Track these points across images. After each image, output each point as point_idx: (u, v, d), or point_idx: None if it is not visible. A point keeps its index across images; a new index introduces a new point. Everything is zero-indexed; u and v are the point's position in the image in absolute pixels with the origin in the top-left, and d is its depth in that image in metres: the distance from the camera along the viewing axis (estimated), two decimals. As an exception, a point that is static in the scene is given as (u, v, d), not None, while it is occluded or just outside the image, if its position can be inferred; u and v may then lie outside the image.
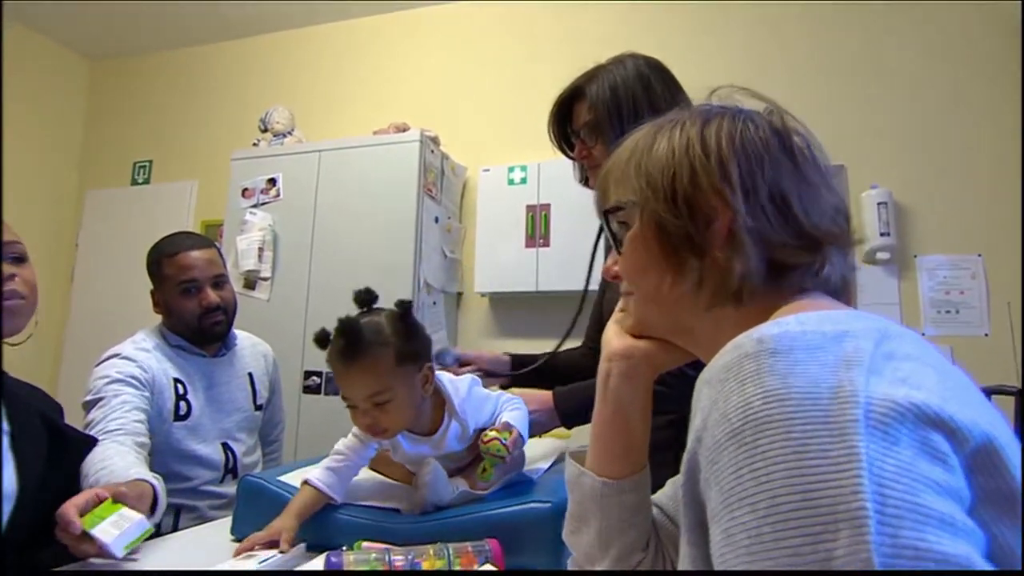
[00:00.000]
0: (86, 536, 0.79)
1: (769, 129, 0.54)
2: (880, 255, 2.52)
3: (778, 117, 0.56)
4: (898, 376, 0.37)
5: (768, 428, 0.36)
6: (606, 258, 1.25)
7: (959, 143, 2.54)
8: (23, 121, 3.64)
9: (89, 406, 1.27)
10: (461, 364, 1.24)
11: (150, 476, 1.01)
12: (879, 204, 2.51)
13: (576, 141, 1.10)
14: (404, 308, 0.94)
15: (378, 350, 0.89)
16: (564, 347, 1.29)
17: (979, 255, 2.47)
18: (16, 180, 3.53)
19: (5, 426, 0.96)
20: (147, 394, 1.33)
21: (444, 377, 1.00)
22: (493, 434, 0.94)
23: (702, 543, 0.41)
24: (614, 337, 0.63)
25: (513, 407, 1.02)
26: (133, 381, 1.31)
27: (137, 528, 0.76)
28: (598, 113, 1.04)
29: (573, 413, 1.08)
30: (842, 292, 0.55)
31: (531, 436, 1.10)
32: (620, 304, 0.66)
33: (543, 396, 1.09)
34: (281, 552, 0.82)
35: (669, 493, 0.69)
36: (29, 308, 0.96)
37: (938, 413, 0.35)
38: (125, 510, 0.80)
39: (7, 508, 0.92)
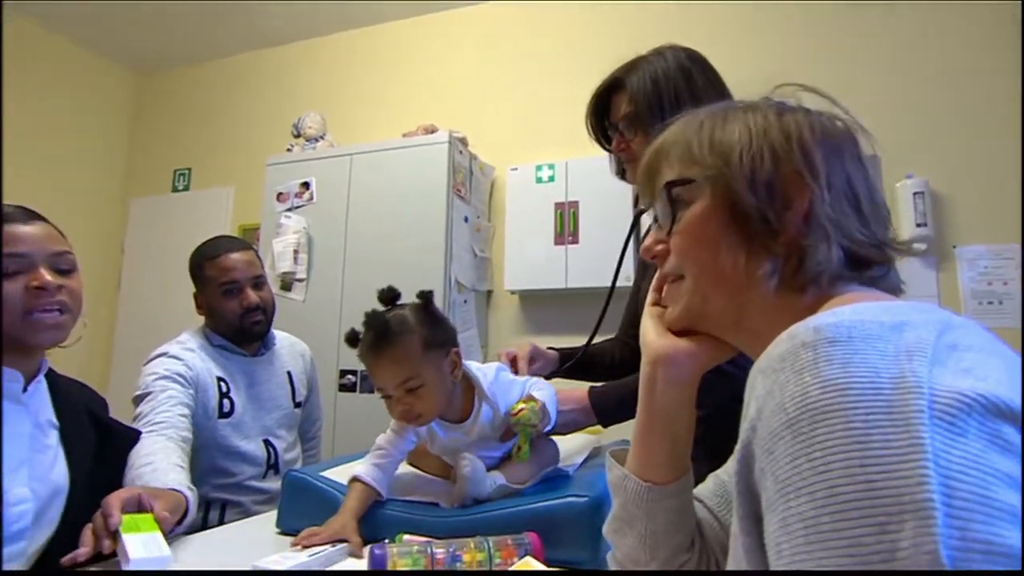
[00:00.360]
0: (114, 534, 0.82)
1: (843, 131, 0.54)
2: (916, 246, 2.46)
3: (842, 120, 0.55)
4: (962, 367, 0.36)
5: (826, 418, 0.35)
6: (625, 250, 1.25)
7: (997, 130, 2.46)
8: (72, 134, 3.79)
9: (138, 400, 1.33)
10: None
11: (185, 487, 1.05)
12: (915, 194, 2.45)
13: (614, 134, 1.09)
14: (426, 298, 1.00)
15: (405, 338, 0.94)
16: (596, 340, 1.29)
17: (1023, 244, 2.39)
18: (66, 190, 3.67)
19: (55, 422, 1.01)
20: (192, 391, 1.38)
21: (472, 364, 1.03)
22: (520, 405, 0.96)
23: (756, 532, 0.41)
24: (655, 336, 0.60)
25: (540, 387, 1.05)
26: (179, 378, 1.37)
27: (158, 562, 0.78)
28: (638, 105, 1.02)
29: (609, 412, 1.08)
30: (898, 296, 0.54)
31: (567, 433, 1.11)
32: (651, 297, 0.64)
33: (578, 394, 1.10)
34: (333, 546, 0.85)
35: (711, 487, 0.69)
36: (72, 319, 0.99)
37: (1009, 405, 0.34)
38: (159, 536, 0.83)
39: (59, 502, 0.97)
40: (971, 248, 2.46)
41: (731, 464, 0.67)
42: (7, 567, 0.88)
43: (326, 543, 0.86)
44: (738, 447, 0.43)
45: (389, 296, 1.00)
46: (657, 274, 0.63)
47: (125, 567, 0.77)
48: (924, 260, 2.48)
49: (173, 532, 0.94)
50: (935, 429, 0.33)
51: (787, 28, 2.81)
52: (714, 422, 1.01)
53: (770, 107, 0.55)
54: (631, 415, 1.03)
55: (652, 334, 0.61)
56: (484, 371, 1.04)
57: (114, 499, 0.88)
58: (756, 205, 0.51)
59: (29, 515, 0.92)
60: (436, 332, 0.97)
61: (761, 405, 0.40)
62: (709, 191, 0.54)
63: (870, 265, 0.52)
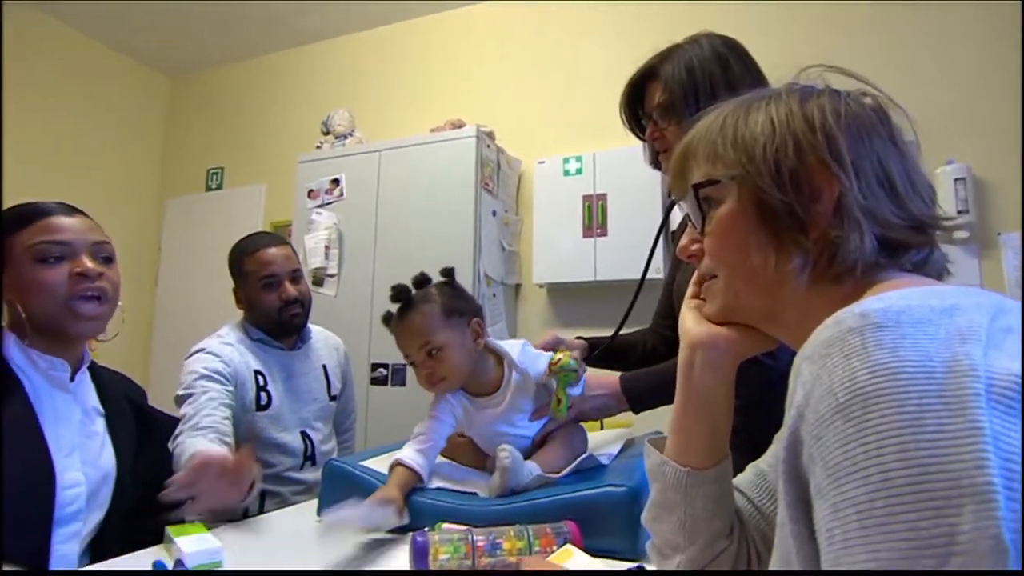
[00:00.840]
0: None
1: (869, 108, 0.53)
2: (958, 234, 2.39)
3: (872, 98, 0.54)
4: (1019, 350, 0.35)
5: (877, 402, 0.35)
6: (656, 242, 1.25)
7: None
8: (111, 137, 3.90)
9: (181, 400, 1.36)
10: None
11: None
12: (956, 180, 2.38)
13: (648, 123, 1.08)
14: (448, 274, 1.08)
15: (426, 307, 1.02)
16: (628, 331, 1.28)
17: (1072, 231, 2.31)
18: (105, 192, 3.78)
19: (100, 409, 1.06)
20: (231, 388, 1.42)
21: (498, 341, 1.08)
22: (558, 355, 1.00)
23: (805, 519, 0.41)
24: (693, 324, 0.61)
25: None
26: (218, 377, 1.40)
27: (213, 554, 0.82)
28: (672, 94, 1.02)
29: (639, 398, 1.08)
30: (943, 279, 0.53)
31: (598, 419, 1.12)
32: (691, 290, 0.64)
33: (609, 380, 1.10)
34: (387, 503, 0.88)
35: (750, 477, 0.68)
36: (111, 310, 1.03)
37: None
38: (211, 536, 0.87)
39: (108, 486, 1.02)
40: (1016, 235, 2.38)
41: (771, 453, 0.66)
42: (65, 547, 0.93)
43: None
44: (784, 434, 0.43)
45: (421, 280, 1.07)
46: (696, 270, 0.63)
47: (186, 565, 0.79)
48: (966, 248, 2.41)
49: (245, 500, 1.00)
50: (993, 412, 0.32)
51: (820, 14, 2.74)
52: (749, 412, 1.00)
53: (793, 94, 0.54)
54: (661, 401, 1.04)
55: (691, 322, 0.62)
56: (511, 345, 1.08)
57: (203, 459, 0.94)
58: (783, 200, 0.50)
59: (83, 497, 0.96)
60: (457, 302, 1.04)
61: (808, 391, 0.40)
62: (736, 190, 0.53)
63: (908, 249, 0.50)
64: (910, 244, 0.50)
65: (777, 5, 2.81)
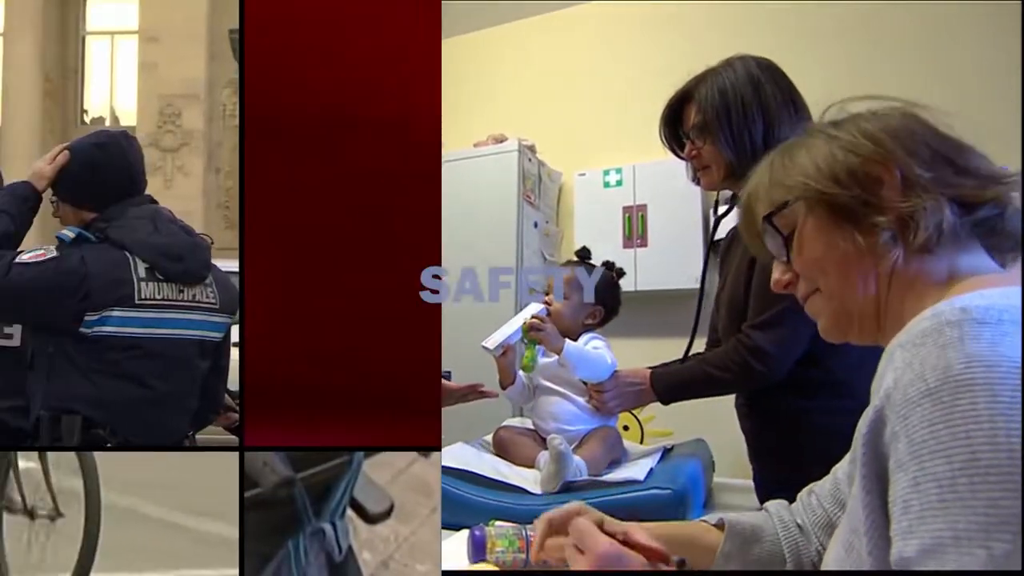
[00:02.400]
0: None
1: (901, 115, 0.55)
2: None
3: (908, 107, 0.56)
4: None
5: (971, 390, 0.37)
6: (708, 255, 1.30)
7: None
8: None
9: None
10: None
11: None
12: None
13: (686, 142, 1.15)
14: (619, 272, 1.45)
15: (588, 270, 1.34)
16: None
17: None
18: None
19: None
20: None
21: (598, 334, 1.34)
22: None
23: (878, 491, 0.43)
24: (592, 546, 0.60)
25: (595, 343, 1.30)
26: None
27: None
28: (707, 115, 1.08)
29: (665, 391, 1.16)
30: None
31: (635, 407, 1.25)
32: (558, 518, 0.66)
33: (644, 371, 1.19)
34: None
35: (829, 488, 0.68)
36: None
37: None
38: None
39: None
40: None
41: (848, 460, 0.68)
42: None
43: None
44: (869, 413, 0.45)
45: (583, 253, 1.43)
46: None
47: None
48: None
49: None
50: None
51: (858, 35, 2.70)
52: (783, 422, 1.05)
53: (825, 128, 0.57)
54: (687, 396, 1.15)
55: (589, 541, 0.61)
56: (592, 337, 1.31)
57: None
58: (850, 194, 0.52)
59: None
60: (605, 289, 1.35)
61: (898, 376, 0.42)
62: (804, 205, 0.56)
63: (983, 204, 0.51)
64: (982, 199, 0.50)
65: (812, 18, 2.79)
